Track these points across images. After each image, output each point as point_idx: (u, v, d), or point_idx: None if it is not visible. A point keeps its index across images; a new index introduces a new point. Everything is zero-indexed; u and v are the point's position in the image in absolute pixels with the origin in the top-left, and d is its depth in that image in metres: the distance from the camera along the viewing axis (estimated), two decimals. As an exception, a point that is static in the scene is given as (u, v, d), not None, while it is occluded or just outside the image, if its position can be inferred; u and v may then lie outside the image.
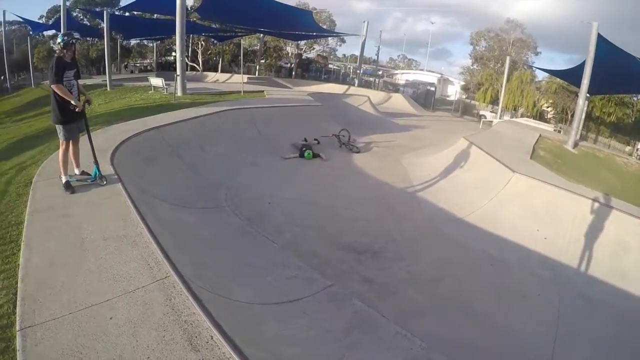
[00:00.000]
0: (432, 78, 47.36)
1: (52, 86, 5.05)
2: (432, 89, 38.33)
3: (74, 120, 5.36)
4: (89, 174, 5.62)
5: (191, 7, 31.54)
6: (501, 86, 28.13)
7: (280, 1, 23.94)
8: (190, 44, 38.05)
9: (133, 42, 44.16)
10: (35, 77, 29.56)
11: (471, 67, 45.39)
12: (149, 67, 41.56)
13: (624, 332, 5.73)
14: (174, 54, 37.75)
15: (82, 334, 2.85)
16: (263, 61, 42.76)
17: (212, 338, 2.94)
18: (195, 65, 39.33)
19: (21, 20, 33.63)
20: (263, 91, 19.19)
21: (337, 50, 56.40)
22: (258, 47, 40.86)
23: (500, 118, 26.38)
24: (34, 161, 7.09)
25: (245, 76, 24.59)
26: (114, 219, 4.58)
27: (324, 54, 50.34)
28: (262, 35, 37.02)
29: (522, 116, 29.64)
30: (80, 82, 5.54)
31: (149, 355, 2.71)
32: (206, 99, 14.93)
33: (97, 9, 35.28)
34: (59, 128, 5.32)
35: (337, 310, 4.82)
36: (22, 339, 2.76)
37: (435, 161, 12.25)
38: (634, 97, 28.98)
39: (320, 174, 10.79)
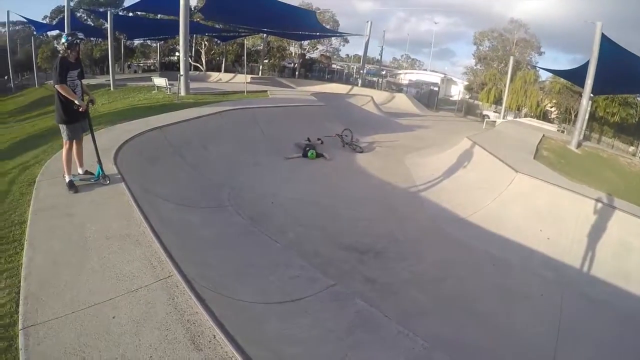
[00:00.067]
0: (435, 78, 47.10)
1: (55, 86, 5.07)
2: (436, 89, 38.20)
3: (77, 120, 5.38)
4: (92, 174, 5.64)
5: (195, 8, 31.57)
6: (504, 86, 27.99)
7: (284, 1, 23.93)
8: (193, 44, 38.08)
9: (136, 42, 44.19)
10: (39, 77, 29.67)
11: (474, 67, 45.38)
12: (152, 67, 41.72)
13: (626, 333, 5.71)
14: (177, 54, 37.78)
15: (85, 332, 2.86)
16: (266, 61, 42.73)
17: (214, 337, 2.94)
18: (199, 65, 39.37)
19: (25, 20, 33.81)
20: (266, 91, 19.21)
21: (340, 50, 56.38)
22: (261, 47, 40.82)
23: (503, 118, 26.27)
24: (38, 160, 7.12)
25: (249, 76, 24.60)
26: (117, 218, 4.59)
27: (327, 54, 50.23)
28: (265, 35, 36.98)
29: (525, 116, 29.53)
30: (84, 82, 5.56)
31: (151, 354, 2.72)
32: (209, 99, 14.95)
33: (101, 10, 35.39)
34: (63, 128, 5.34)
35: (339, 309, 4.83)
36: (24, 337, 2.78)
37: (439, 161, 12.23)
38: (638, 97, 28.77)
39: (323, 173, 10.79)
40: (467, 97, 39.67)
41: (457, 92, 44.18)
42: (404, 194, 9.93)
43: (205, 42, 40.08)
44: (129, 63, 42.12)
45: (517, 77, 32.21)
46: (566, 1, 76.41)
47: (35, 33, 35.61)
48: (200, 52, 40.18)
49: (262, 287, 5.00)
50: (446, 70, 63.25)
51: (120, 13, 36.01)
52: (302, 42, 43.29)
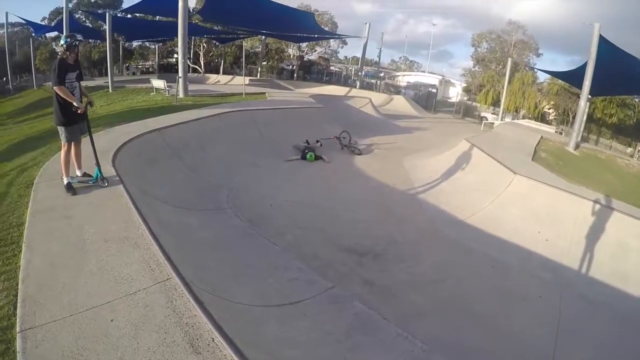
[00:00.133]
0: (433, 80, 47.25)
1: (54, 88, 5.06)
2: (434, 90, 38.34)
3: (76, 122, 5.37)
4: (90, 176, 5.63)
5: (193, 9, 31.63)
6: (503, 88, 28.07)
7: (282, 3, 23.97)
8: (192, 46, 38.09)
9: (135, 44, 44.23)
10: (38, 79, 29.68)
11: (473, 69, 45.49)
12: (150, 69, 41.68)
13: (625, 334, 5.72)
14: (175, 55, 37.87)
15: (83, 336, 2.85)
16: (265, 63, 42.78)
17: (213, 340, 2.94)
18: (197, 67, 39.38)
19: (24, 22, 33.79)
20: (265, 93, 19.21)
21: (338, 52, 56.29)
22: (260, 49, 40.89)
23: (501, 120, 26.36)
24: (36, 162, 7.09)
25: (247, 78, 24.61)
26: (116, 221, 4.58)
27: (326, 56, 50.33)
28: (264, 37, 37.06)
29: (523, 118, 29.62)
30: (82, 83, 5.55)
31: (149, 358, 2.71)
32: (208, 101, 14.95)
33: (100, 11, 35.41)
34: (61, 129, 5.32)
35: (338, 312, 4.82)
36: (22, 340, 2.77)
37: (437, 163, 12.24)
38: (636, 98, 28.88)
39: (322, 176, 10.79)
40: (465, 98, 39.78)
41: (455, 93, 44.26)
42: (402, 196, 9.94)
43: (204, 44, 40.09)
44: (127, 65, 42.11)
45: (515, 78, 32.30)
46: (564, 3, 76.68)
47: (33, 34, 35.61)
48: (199, 54, 40.20)
49: (261, 290, 4.99)
50: (444, 72, 63.26)
51: (119, 15, 35.99)
52: (301, 44, 43.36)
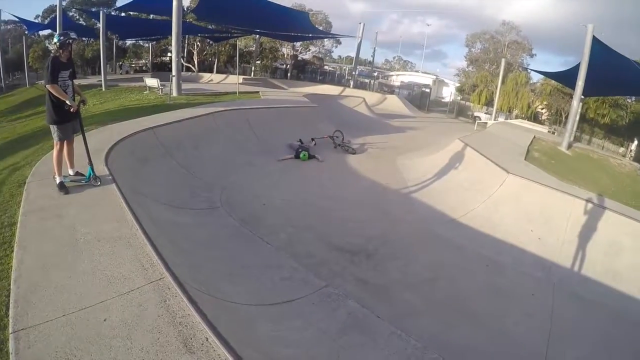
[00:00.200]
0: (427, 80, 47.37)
1: (47, 86, 5.03)
2: (427, 90, 38.46)
3: (68, 121, 5.34)
4: (83, 175, 5.60)
5: (187, 8, 31.50)
6: (496, 88, 28.23)
7: (276, 2, 23.93)
8: (186, 45, 37.98)
9: (129, 42, 44.03)
10: (30, 77, 29.51)
11: (466, 69, 45.73)
12: (144, 68, 41.54)
13: (617, 332, 5.77)
14: (169, 54, 37.65)
15: (76, 336, 2.84)
16: (259, 62, 42.71)
17: (207, 340, 2.94)
18: (191, 66, 39.26)
19: (17, 19, 33.57)
20: (258, 92, 19.19)
21: (332, 52, 56.31)
22: (254, 48, 40.76)
23: (495, 119, 26.49)
24: (28, 161, 7.03)
25: (241, 77, 24.57)
26: (108, 220, 4.56)
27: (320, 56, 50.30)
28: (257, 36, 36.98)
29: (516, 118, 29.79)
30: (76, 82, 5.52)
31: (143, 358, 2.71)
32: (201, 100, 14.91)
33: (93, 9, 35.23)
34: (54, 128, 5.29)
35: (331, 310, 4.83)
36: (15, 341, 2.75)
37: (430, 162, 12.27)
38: (628, 99, 29.16)
39: (315, 175, 10.79)
40: (459, 98, 39.95)
41: (448, 93, 44.50)
42: (395, 195, 9.96)
43: (198, 43, 39.98)
44: (120, 63, 41.90)
45: (508, 79, 32.52)
46: (558, 3, 77.13)
47: (27, 32, 35.39)
48: (193, 53, 40.07)
49: (254, 289, 4.99)
50: (438, 72, 63.58)
51: (113, 13, 35.89)
52: (295, 43, 43.29)
